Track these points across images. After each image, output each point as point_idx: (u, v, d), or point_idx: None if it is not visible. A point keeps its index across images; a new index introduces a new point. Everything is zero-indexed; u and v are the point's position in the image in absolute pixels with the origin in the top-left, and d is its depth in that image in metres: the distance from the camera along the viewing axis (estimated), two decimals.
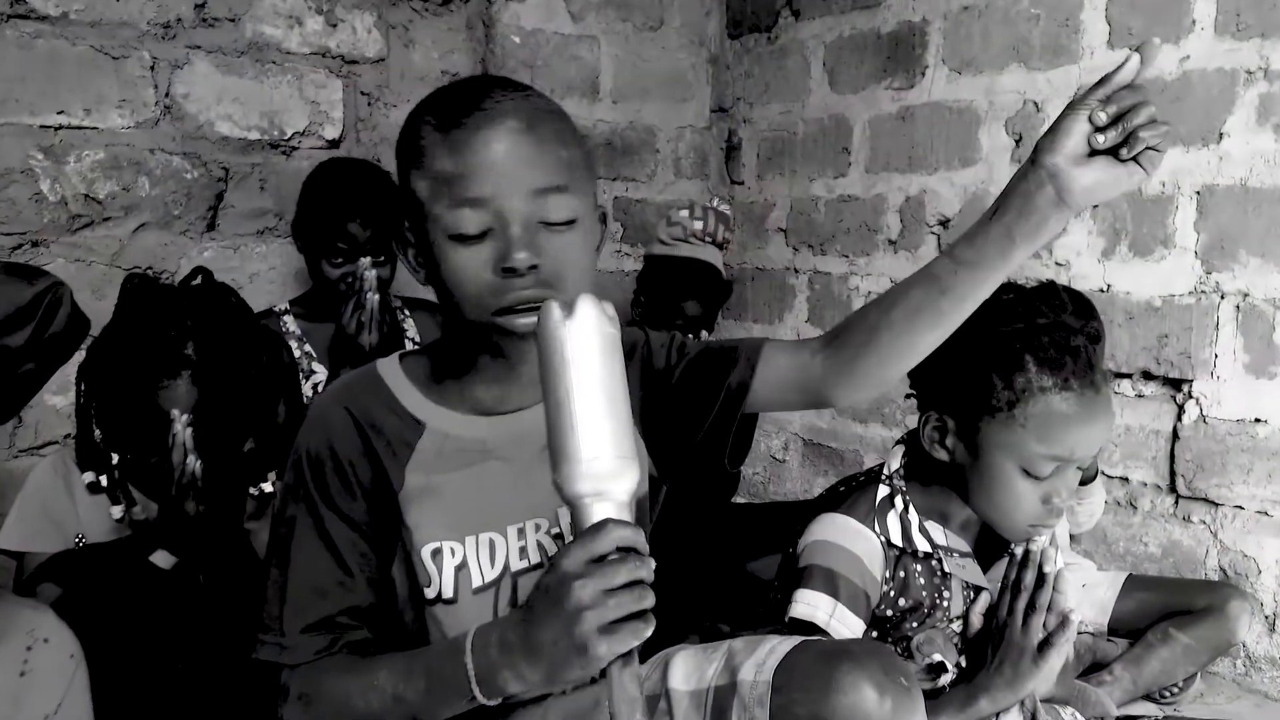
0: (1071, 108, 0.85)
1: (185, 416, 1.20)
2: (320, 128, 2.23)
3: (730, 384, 1.01)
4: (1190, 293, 1.84)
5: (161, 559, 1.21)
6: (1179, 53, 1.82)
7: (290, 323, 1.99)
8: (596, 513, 0.75)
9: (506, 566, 0.98)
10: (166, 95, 2.05)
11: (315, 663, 0.93)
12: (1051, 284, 1.24)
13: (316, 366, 1.95)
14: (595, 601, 0.73)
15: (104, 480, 1.30)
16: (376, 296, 1.79)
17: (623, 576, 0.73)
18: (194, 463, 1.18)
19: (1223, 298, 1.80)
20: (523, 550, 0.99)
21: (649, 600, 0.74)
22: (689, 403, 1.04)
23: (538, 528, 1.00)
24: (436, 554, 0.96)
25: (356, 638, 0.95)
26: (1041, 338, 1.17)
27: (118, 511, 1.27)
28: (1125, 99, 0.83)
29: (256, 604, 0.98)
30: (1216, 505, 1.83)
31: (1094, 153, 0.84)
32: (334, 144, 2.25)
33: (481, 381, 1.00)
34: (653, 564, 0.76)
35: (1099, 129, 0.83)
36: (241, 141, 2.14)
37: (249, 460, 1.34)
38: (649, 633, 0.75)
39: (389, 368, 1.02)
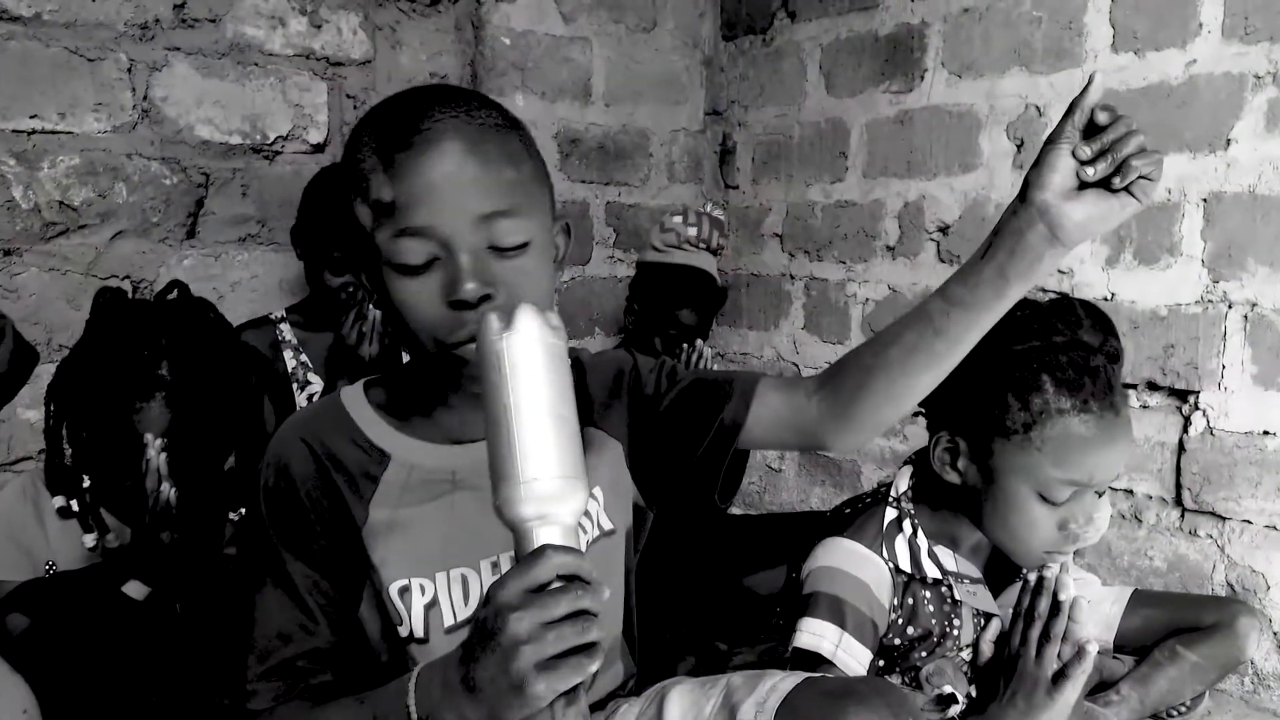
0: (1053, 141, 0.82)
1: (159, 441, 1.13)
2: (304, 131, 2.16)
3: (724, 419, 0.97)
4: (1197, 302, 1.79)
5: (134, 590, 1.14)
6: (1185, 57, 1.78)
7: (287, 331, 1.94)
8: (541, 538, 0.70)
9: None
10: (144, 98, 1.98)
11: (272, 710, 0.89)
12: (1067, 298, 1.19)
13: (313, 377, 1.91)
14: (533, 635, 0.67)
15: (75, 505, 1.23)
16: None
17: (563, 607, 0.67)
18: (168, 490, 1.12)
19: (1230, 307, 1.75)
20: None
21: (593, 633, 0.68)
22: (678, 433, 0.99)
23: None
24: (405, 592, 0.91)
25: (317, 682, 0.91)
26: (1059, 357, 1.12)
27: (89, 540, 1.20)
28: (1111, 131, 0.80)
29: (234, 635, 0.93)
30: (1224, 519, 1.79)
31: (1084, 184, 0.82)
32: (318, 148, 2.18)
33: (448, 408, 0.95)
34: (605, 592, 0.70)
35: (1085, 162, 0.81)
36: (222, 146, 2.07)
37: (228, 482, 1.27)
38: (594, 668, 0.69)
39: (352, 396, 0.97)
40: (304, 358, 1.91)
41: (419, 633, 0.91)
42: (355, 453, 0.93)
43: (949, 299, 0.88)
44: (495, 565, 0.93)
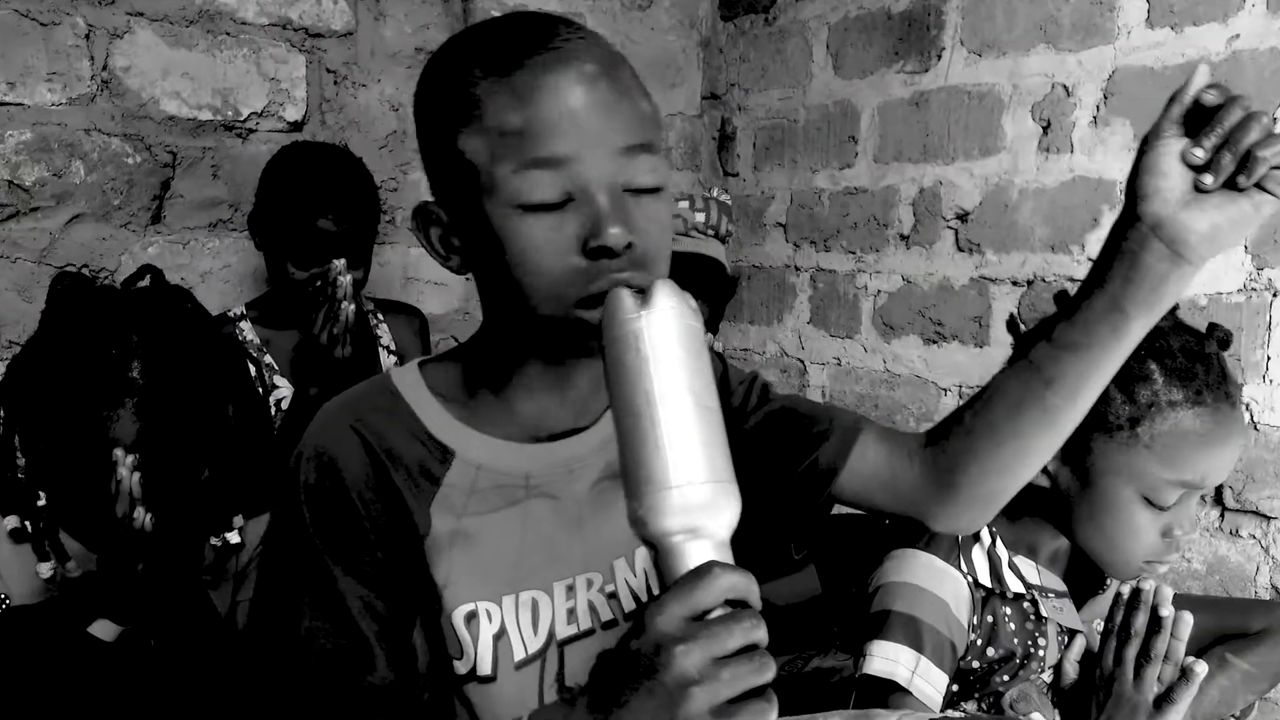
0: (1151, 140, 0.68)
1: (130, 458, 0.95)
2: (280, 108, 1.97)
3: (819, 461, 0.84)
4: (1239, 290, 1.69)
5: (103, 630, 0.96)
6: (1227, 31, 1.67)
7: (248, 329, 1.73)
8: (690, 555, 0.58)
9: (551, 634, 0.78)
10: (104, 68, 1.78)
11: None
12: None
13: (279, 380, 1.70)
14: (705, 674, 0.55)
15: (29, 527, 1.04)
16: (352, 306, 1.55)
17: (737, 639, 0.55)
18: (143, 516, 0.93)
19: (1275, 295, 1.65)
20: (571, 613, 0.79)
21: (770, 671, 0.56)
22: (761, 461, 0.86)
23: (589, 584, 0.80)
24: (471, 619, 0.76)
25: None
26: (1168, 342, 0.99)
27: (45, 570, 1.01)
28: (1224, 118, 0.65)
29: (221, 676, 0.76)
30: (1268, 519, 1.68)
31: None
32: (296, 126, 1.99)
33: (527, 397, 0.80)
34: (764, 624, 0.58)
35: (1201, 168, 0.66)
36: (191, 122, 1.87)
37: (208, 497, 1.09)
38: (774, 716, 0.57)
39: (407, 379, 0.81)
40: (268, 359, 1.71)
41: (485, 669, 0.75)
42: (414, 446, 0.77)
43: (1058, 343, 0.74)
44: (570, 589, 0.79)
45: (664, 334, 0.61)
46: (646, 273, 0.71)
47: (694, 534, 0.58)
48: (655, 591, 0.82)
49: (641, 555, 0.82)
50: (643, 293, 0.62)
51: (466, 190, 0.72)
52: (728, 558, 0.59)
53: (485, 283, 0.76)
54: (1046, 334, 0.75)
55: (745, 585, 0.57)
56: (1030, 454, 0.78)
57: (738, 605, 0.56)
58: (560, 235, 0.70)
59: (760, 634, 0.56)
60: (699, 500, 0.58)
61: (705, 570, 0.56)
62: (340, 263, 1.56)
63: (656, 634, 0.56)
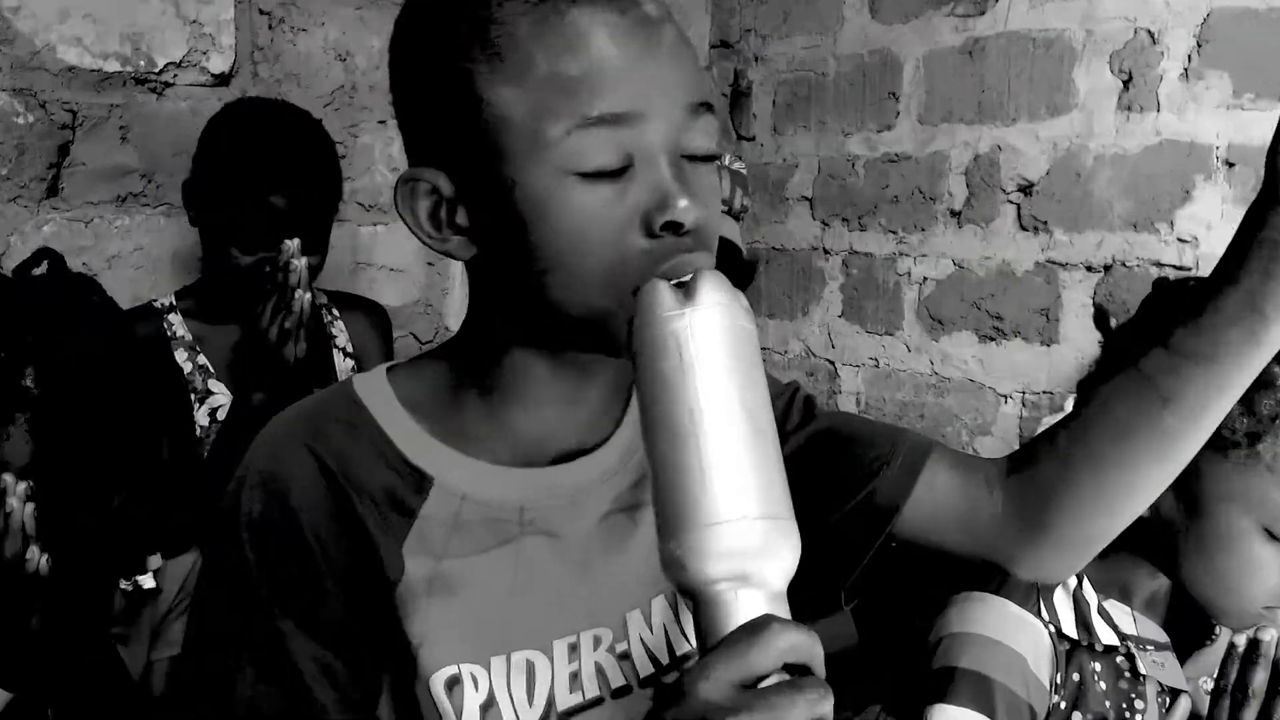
0: None
1: (22, 486, 0.92)
2: (204, 57, 1.95)
3: (876, 494, 0.82)
4: None
5: None
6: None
7: (177, 324, 1.69)
8: (740, 608, 0.56)
9: (551, 703, 0.75)
10: None
11: None
12: None
13: (215, 385, 1.67)
14: None
15: None
16: (308, 295, 1.53)
17: (800, 713, 0.53)
18: (38, 557, 0.90)
19: None
20: (574, 677, 0.76)
21: None
22: (804, 494, 0.84)
23: (597, 642, 0.78)
24: (454, 685, 0.73)
25: None
26: None
27: None
28: None
29: None
30: None
31: None
32: (223, 79, 1.98)
33: (528, 411, 0.77)
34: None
35: None
36: (95, 74, 1.85)
37: (117, 532, 1.06)
38: None
39: (372, 387, 0.78)
40: (202, 359, 1.68)
41: None
42: (384, 473, 0.74)
43: (1178, 351, 0.72)
44: (573, 648, 0.76)
45: (711, 337, 0.59)
46: (710, 255, 0.70)
47: (744, 581, 0.56)
48: (678, 651, 0.80)
49: (659, 607, 0.80)
50: (683, 286, 0.61)
51: (488, 150, 0.69)
52: (784, 611, 0.57)
53: (499, 266, 0.73)
54: (1162, 339, 0.73)
55: (808, 646, 0.54)
56: (1140, 488, 0.76)
57: (798, 670, 0.55)
58: (620, 208, 0.67)
59: (826, 707, 0.54)
60: (751, 540, 0.56)
61: (760, 626, 0.54)
62: (294, 243, 1.53)
63: (700, 704, 0.54)
